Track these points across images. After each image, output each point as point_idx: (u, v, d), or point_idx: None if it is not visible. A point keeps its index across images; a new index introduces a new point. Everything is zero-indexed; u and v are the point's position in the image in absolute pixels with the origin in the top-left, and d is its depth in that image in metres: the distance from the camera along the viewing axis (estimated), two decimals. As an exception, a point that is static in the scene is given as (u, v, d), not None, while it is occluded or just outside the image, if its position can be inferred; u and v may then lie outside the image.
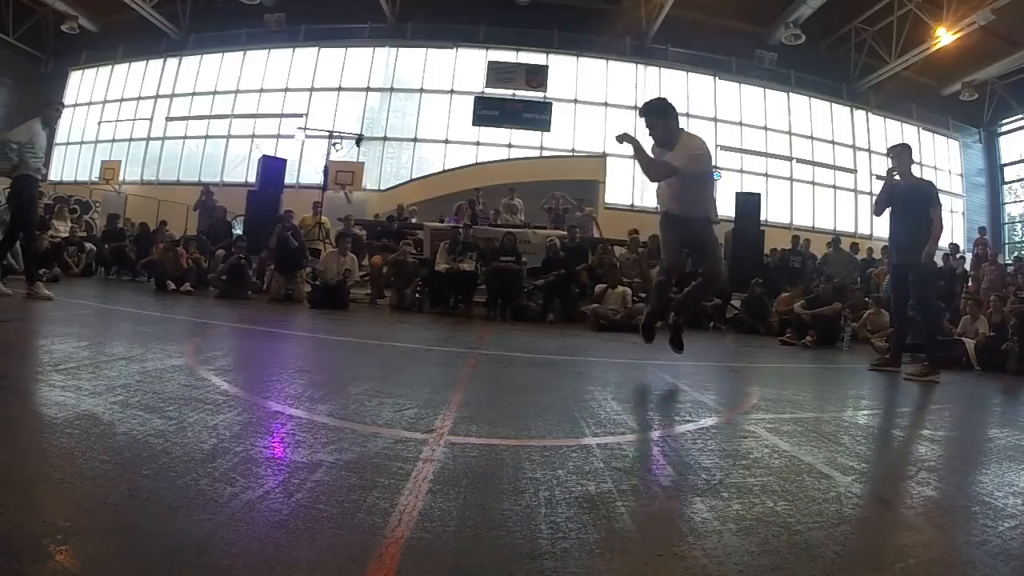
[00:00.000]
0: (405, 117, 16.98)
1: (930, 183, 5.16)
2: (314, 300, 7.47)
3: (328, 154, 12.52)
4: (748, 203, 11.38)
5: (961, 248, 11.60)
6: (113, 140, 18.21)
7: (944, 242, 14.63)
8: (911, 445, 2.46)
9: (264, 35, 17.09)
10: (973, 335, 6.45)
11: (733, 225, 11.25)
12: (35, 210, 5.60)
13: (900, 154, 4.86)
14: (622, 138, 3.58)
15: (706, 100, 16.92)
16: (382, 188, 16.02)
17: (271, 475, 1.50)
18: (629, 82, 16.75)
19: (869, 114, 17.67)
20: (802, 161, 17.21)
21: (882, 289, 9.17)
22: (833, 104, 17.51)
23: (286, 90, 17.17)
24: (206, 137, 17.62)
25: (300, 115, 16.36)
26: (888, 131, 17.86)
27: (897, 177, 4.81)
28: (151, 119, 17.94)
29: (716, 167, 15.98)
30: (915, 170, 4.95)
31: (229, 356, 3.60)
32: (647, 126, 3.59)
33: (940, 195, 4.84)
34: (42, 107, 5.87)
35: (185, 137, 17.78)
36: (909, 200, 4.67)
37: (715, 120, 16.81)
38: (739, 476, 1.77)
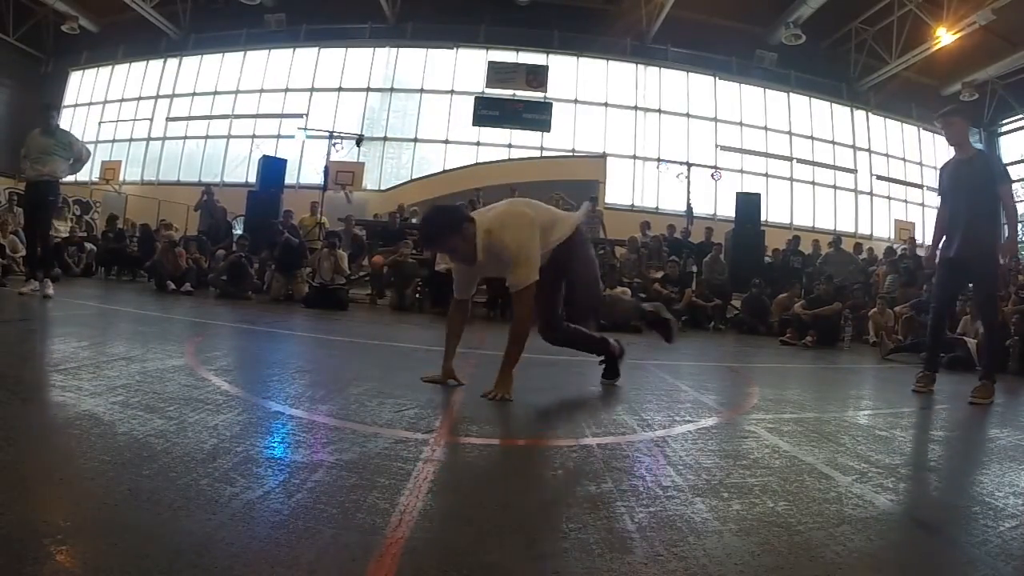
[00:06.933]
0: (405, 117, 16.99)
1: (993, 155, 3.93)
2: (309, 300, 7.45)
3: (328, 154, 12.53)
4: (748, 203, 11.41)
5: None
6: (113, 140, 18.21)
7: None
8: (911, 445, 2.46)
9: (264, 35, 17.10)
10: (974, 335, 6.45)
11: (733, 225, 11.27)
12: (41, 215, 5.69)
13: (949, 124, 3.89)
14: None
15: (706, 100, 16.93)
16: (382, 188, 16.04)
17: (271, 475, 1.49)
18: (629, 82, 16.75)
19: (869, 114, 17.67)
20: (802, 161, 17.22)
21: (884, 286, 9.17)
22: (833, 104, 17.52)
23: (286, 90, 17.18)
24: (206, 137, 17.63)
25: (300, 115, 16.37)
26: (888, 131, 17.87)
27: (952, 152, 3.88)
28: (151, 119, 17.95)
29: (716, 167, 16.06)
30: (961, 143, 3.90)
31: (229, 356, 3.60)
32: None
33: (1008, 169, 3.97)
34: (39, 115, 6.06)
35: (185, 137, 17.78)
36: (965, 178, 3.75)
37: (715, 120, 16.83)
38: (739, 476, 1.77)
